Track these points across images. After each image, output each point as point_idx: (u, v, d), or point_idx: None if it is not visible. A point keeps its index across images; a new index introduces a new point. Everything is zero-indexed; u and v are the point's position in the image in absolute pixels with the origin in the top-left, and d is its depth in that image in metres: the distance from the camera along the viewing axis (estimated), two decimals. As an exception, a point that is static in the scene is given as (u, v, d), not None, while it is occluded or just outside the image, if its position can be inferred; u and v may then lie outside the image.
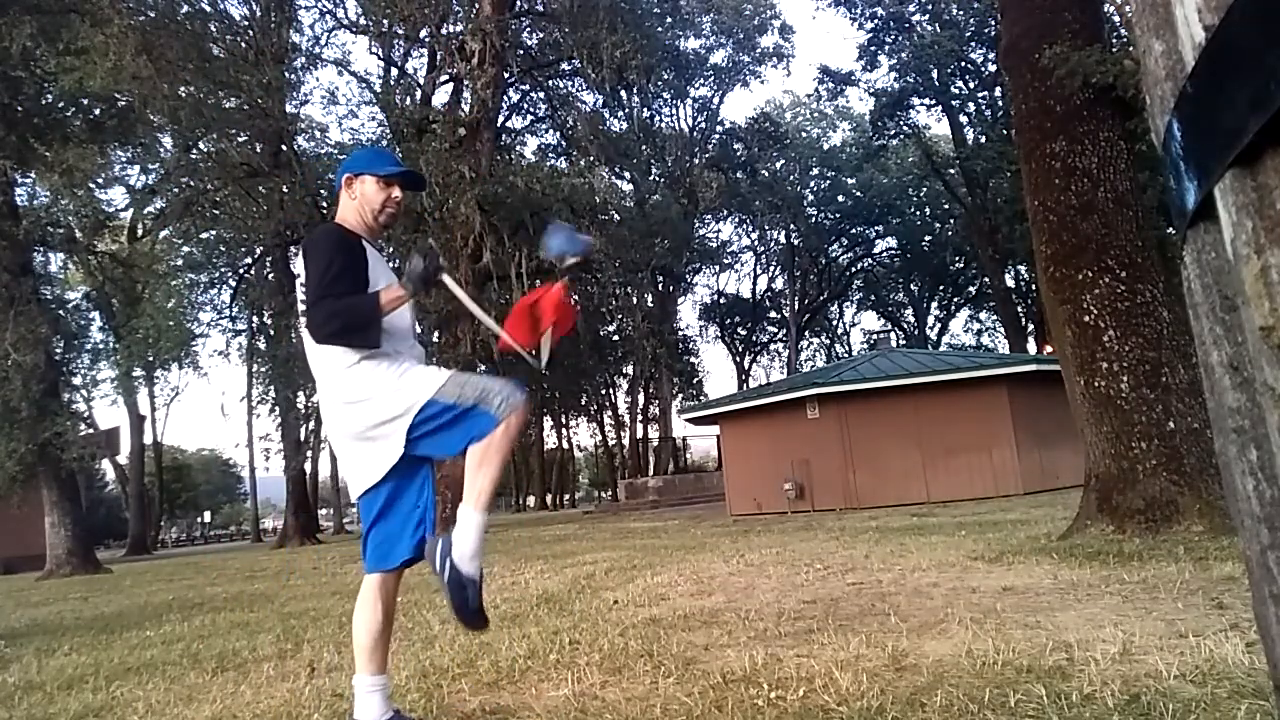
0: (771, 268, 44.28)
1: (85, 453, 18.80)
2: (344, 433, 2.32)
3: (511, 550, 10.75)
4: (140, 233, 28.15)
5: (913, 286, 44.62)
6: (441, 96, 23.38)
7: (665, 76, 29.41)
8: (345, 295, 2.22)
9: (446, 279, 2.39)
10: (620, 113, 28.49)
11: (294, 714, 2.78)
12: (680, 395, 36.04)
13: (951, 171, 31.17)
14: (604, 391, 43.45)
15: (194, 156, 21.73)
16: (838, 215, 41.58)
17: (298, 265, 2.36)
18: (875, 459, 14.35)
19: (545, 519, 28.87)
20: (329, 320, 2.21)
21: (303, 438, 28.43)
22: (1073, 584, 3.89)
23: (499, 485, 2.29)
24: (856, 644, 2.95)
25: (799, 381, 17.21)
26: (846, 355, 41.32)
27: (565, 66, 24.38)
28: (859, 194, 40.51)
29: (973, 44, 26.72)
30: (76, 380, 23.48)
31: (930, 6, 27.20)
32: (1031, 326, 33.23)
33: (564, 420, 49.14)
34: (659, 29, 27.28)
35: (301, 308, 2.29)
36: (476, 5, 20.27)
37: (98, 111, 19.12)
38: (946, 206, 37.19)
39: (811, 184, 41.58)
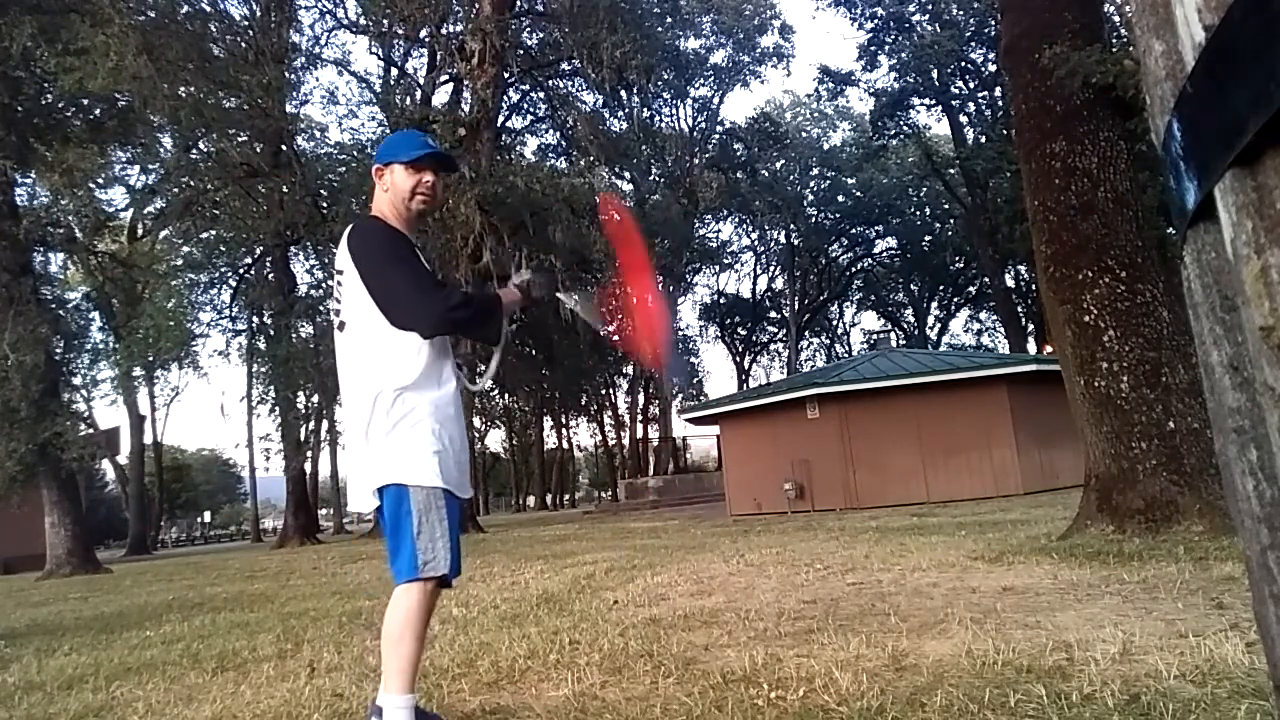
0: (771, 268, 44.35)
1: (85, 453, 18.77)
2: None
3: (511, 550, 10.75)
4: (140, 233, 28.17)
5: (913, 286, 44.64)
6: (441, 96, 23.43)
7: (665, 76, 29.41)
8: (440, 284, 2.21)
9: (561, 297, 2.50)
10: (620, 113, 28.49)
11: (294, 714, 2.77)
12: (680, 395, 36.06)
13: (951, 171, 31.18)
14: (604, 391, 43.44)
15: (194, 156, 21.75)
16: (838, 215, 41.59)
17: (341, 261, 2.26)
18: (875, 459, 14.35)
19: (545, 519, 28.88)
20: (457, 308, 2.15)
21: (303, 438, 28.44)
22: (1073, 584, 3.89)
23: (419, 658, 2.15)
24: (856, 644, 2.95)
25: (799, 381, 17.21)
26: (846, 355, 41.33)
27: (565, 66, 24.40)
28: (859, 194, 40.52)
29: (973, 44, 26.74)
30: (76, 380, 23.44)
31: (930, 6, 27.21)
32: (1031, 326, 33.25)
33: (564, 420, 49.15)
34: (659, 29, 27.28)
35: (403, 296, 2.18)
36: (476, 5, 20.27)
37: (98, 111, 19.11)
38: (946, 206, 37.21)
39: (811, 184, 41.61)
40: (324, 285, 21.39)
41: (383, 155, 2.38)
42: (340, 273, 2.27)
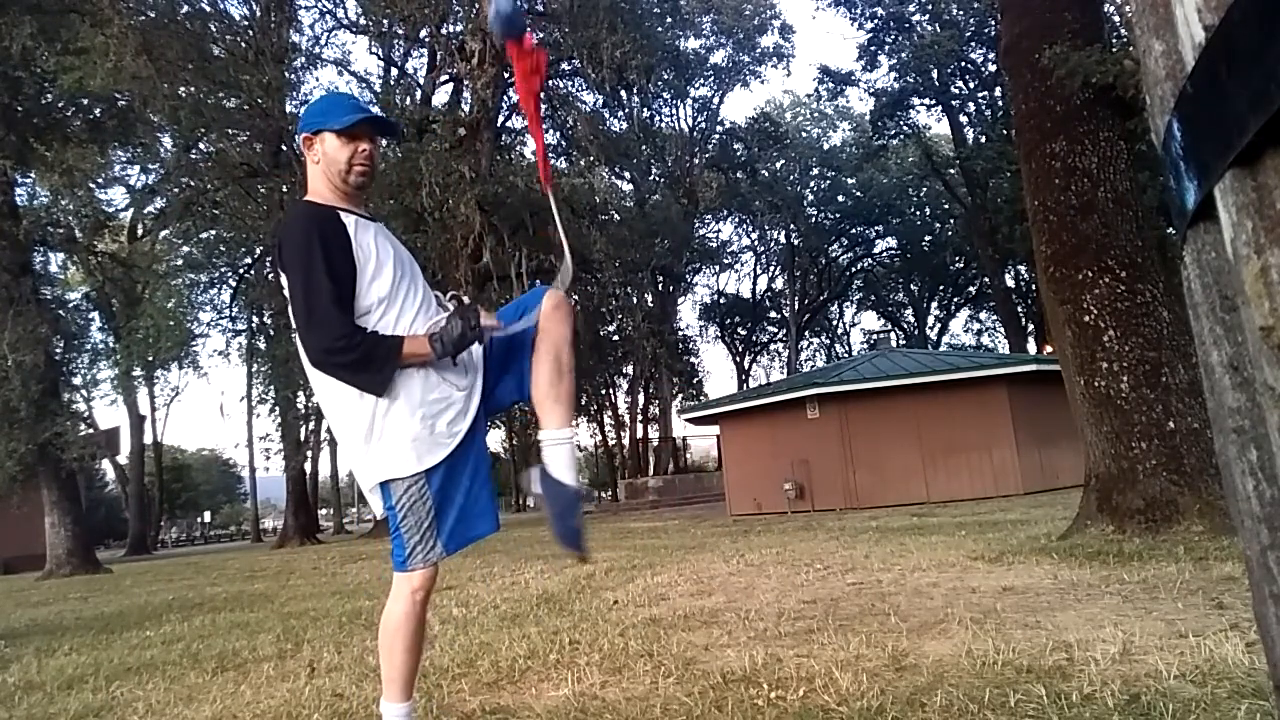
0: (771, 268, 44.30)
1: (85, 453, 18.78)
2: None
3: (511, 550, 10.74)
4: (140, 233, 28.18)
5: (913, 286, 44.62)
6: (441, 96, 23.46)
7: (665, 76, 29.42)
8: (340, 307, 1.94)
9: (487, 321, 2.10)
10: (620, 113, 28.51)
11: (294, 714, 2.77)
12: (680, 395, 36.05)
13: (951, 171, 31.17)
14: (604, 391, 43.41)
15: (194, 156, 21.75)
16: (838, 215, 41.58)
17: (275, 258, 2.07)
18: (875, 459, 14.35)
19: (545, 519, 28.82)
20: (334, 352, 1.94)
21: (303, 438, 28.45)
22: (1073, 584, 3.89)
23: (412, 666, 2.11)
24: (856, 644, 2.95)
25: (799, 381, 17.21)
26: (846, 355, 41.32)
27: (565, 66, 24.39)
28: (859, 194, 40.51)
29: (973, 44, 26.71)
30: (76, 380, 23.49)
31: (930, 6, 27.18)
32: (1031, 326, 33.23)
33: (564, 420, 49.09)
34: (659, 29, 27.29)
35: (296, 319, 1.97)
36: (476, 5, 20.28)
37: (98, 111, 19.12)
38: (946, 206, 37.19)
39: (811, 184, 41.59)
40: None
41: (309, 122, 2.08)
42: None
